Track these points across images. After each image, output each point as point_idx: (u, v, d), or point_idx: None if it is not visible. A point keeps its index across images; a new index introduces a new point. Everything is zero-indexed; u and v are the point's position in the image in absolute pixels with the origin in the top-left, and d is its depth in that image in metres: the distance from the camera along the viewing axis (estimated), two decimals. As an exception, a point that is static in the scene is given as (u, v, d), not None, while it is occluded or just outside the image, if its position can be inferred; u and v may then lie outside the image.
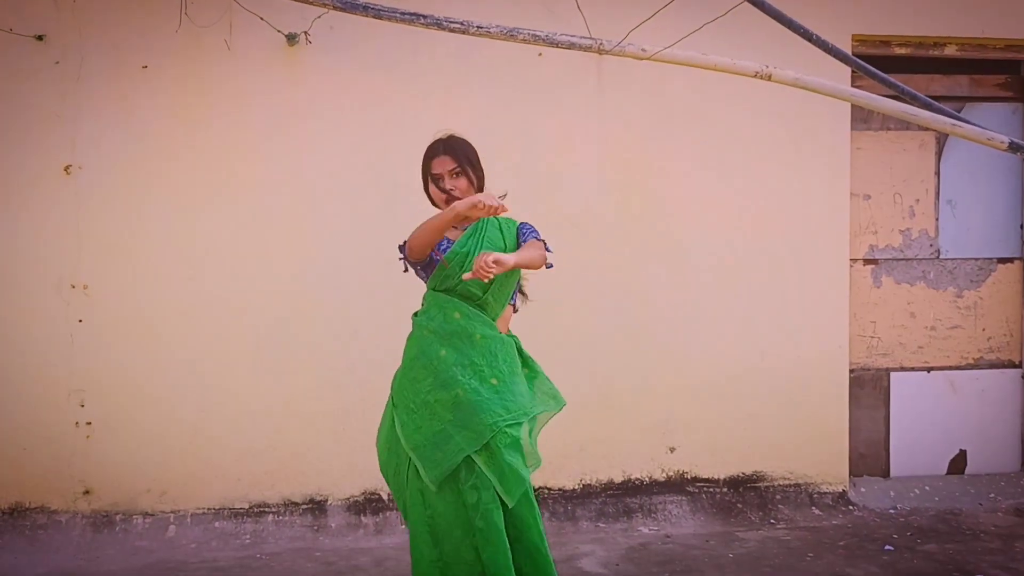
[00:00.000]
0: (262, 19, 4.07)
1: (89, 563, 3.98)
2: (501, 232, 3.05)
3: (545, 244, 3.08)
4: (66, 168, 4.23)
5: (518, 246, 3.06)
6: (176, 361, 4.30)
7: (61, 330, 4.24)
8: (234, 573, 3.84)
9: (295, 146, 4.34)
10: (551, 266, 3.06)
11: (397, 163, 4.35)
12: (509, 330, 3.12)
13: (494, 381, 2.90)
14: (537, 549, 2.95)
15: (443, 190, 3.02)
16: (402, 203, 4.33)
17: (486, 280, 2.81)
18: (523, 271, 3.10)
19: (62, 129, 4.22)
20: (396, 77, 4.38)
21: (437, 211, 3.03)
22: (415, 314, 3.10)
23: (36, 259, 4.22)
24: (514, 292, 3.13)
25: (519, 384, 2.97)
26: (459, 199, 2.93)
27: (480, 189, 3.08)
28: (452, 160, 3.03)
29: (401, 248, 3.07)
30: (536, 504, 2.98)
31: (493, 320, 3.01)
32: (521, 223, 3.17)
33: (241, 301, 4.33)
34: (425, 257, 3.01)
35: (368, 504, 4.36)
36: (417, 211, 4.33)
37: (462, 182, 3.03)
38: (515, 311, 3.17)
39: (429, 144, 3.10)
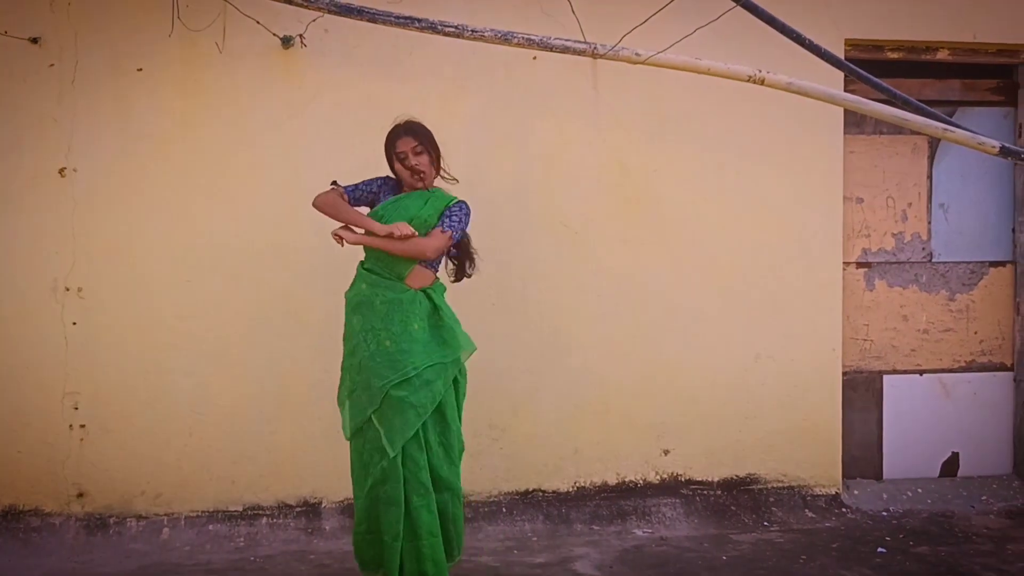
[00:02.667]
0: (258, 22, 4.07)
1: (83, 566, 3.98)
2: (424, 203, 3.49)
3: (452, 238, 3.50)
4: (61, 171, 4.23)
5: (437, 221, 3.48)
6: (170, 364, 4.30)
7: (55, 333, 4.23)
8: (228, 575, 3.84)
9: (291, 149, 4.34)
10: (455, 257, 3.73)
11: (392, 166, 4.37)
12: (437, 281, 3.55)
13: (387, 343, 3.37)
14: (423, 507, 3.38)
15: (407, 166, 3.48)
16: (397, 206, 4.36)
17: (340, 244, 3.43)
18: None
19: (57, 132, 4.22)
20: (391, 80, 4.39)
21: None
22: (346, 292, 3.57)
23: (31, 262, 4.22)
24: (443, 258, 3.61)
25: (415, 341, 3.38)
26: (423, 172, 3.48)
27: (438, 166, 3.57)
28: (414, 139, 3.48)
29: (335, 183, 3.59)
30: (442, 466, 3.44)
31: (401, 277, 3.43)
32: (451, 208, 3.53)
33: (236, 304, 4.33)
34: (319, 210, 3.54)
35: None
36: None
37: (424, 159, 3.49)
38: (468, 276, 3.77)
39: (390, 128, 3.54)
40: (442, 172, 3.63)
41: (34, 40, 4.18)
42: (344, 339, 3.53)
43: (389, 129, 3.56)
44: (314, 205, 3.51)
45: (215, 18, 4.17)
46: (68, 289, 4.24)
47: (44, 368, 4.23)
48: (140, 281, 4.28)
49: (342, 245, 3.47)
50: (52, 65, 4.20)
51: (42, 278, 4.23)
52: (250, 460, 4.33)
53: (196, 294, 4.30)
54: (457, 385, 3.54)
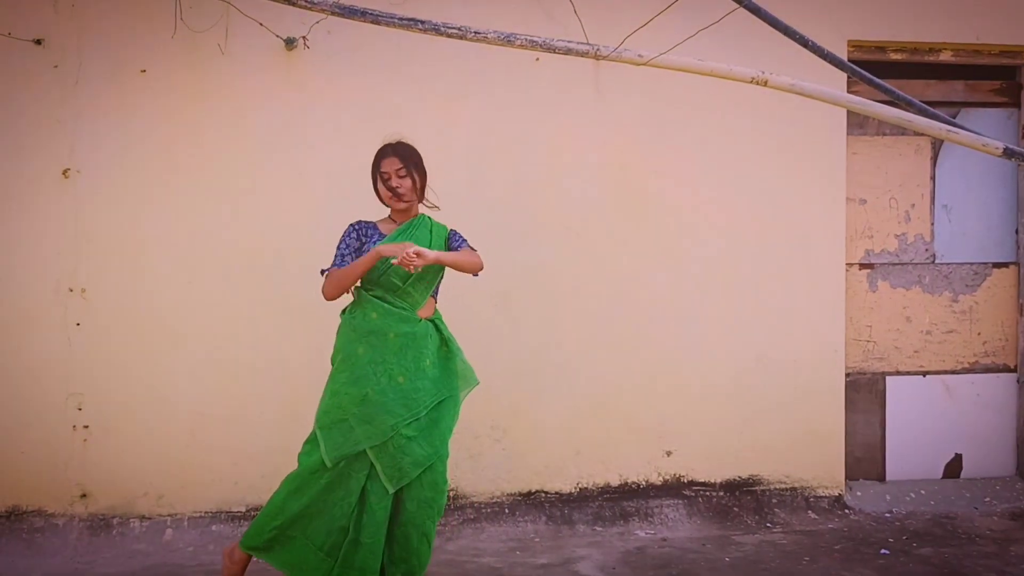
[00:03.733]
0: (261, 24, 4.08)
1: (86, 566, 3.99)
2: (430, 234, 3.44)
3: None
4: (64, 172, 4.24)
5: (445, 247, 3.47)
6: (173, 365, 4.31)
7: (59, 334, 4.25)
8: (231, 576, 3.84)
9: (294, 150, 4.35)
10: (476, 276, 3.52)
11: (395, 167, 4.38)
12: (436, 311, 3.47)
13: (401, 379, 3.27)
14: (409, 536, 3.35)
15: (389, 188, 3.39)
16: (399, 207, 4.36)
17: (410, 270, 3.17)
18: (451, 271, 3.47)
19: (61, 133, 4.23)
20: (394, 81, 4.39)
21: (383, 207, 3.51)
22: (343, 311, 3.44)
23: (34, 263, 4.23)
24: (436, 287, 3.47)
25: (426, 378, 3.31)
26: (403, 195, 3.38)
27: (422, 190, 3.49)
28: (399, 161, 3.40)
29: (323, 272, 3.41)
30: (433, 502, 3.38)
31: (414, 309, 3.35)
32: (452, 231, 3.55)
33: (239, 305, 4.34)
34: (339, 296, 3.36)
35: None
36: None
37: (407, 182, 3.40)
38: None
39: (379, 147, 3.47)
40: (425, 199, 3.55)
41: (38, 42, 4.20)
42: (340, 364, 3.36)
43: (378, 148, 3.49)
44: (329, 297, 3.34)
45: (218, 20, 4.18)
46: (72, 290, 4.25)
47: (48, 369, 4.25)
48: (143, 282, 4.29)
49: (415, 269, 3.22)
50: (56, 66, 4.22)
51: (46, 279, 4.24)
52: (252, 461, 4.33)
53: (198, 295, 4.31)
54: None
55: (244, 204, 4.33)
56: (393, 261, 3.20)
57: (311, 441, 3.34)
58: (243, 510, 4.33)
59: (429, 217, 3.53)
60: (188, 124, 4.29)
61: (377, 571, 3.29)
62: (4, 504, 4.22)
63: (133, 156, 4.27)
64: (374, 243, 3.35)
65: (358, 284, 3.39)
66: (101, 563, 4.02)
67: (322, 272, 3.43)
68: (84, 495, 4.27)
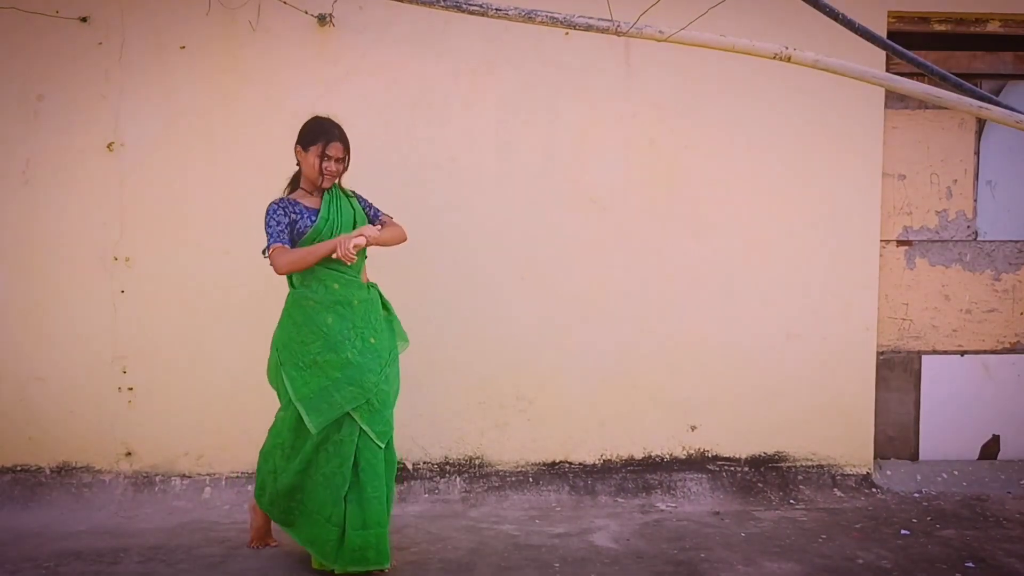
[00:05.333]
0: (285, 2, 4.17)
1: (129, 520, 4.21)
2: (349, 202, 3.63)
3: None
4: (109, 145, 4.42)
5: (364, 209, 3.68)
6: (213, 331, 4.49)
7: (105, 300, 4.46)
8: (262, 535, 4.02)
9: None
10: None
11: (424, 141, 4.45)
12: (368, 279, 3.67)
13: (373, 340, 3.51)
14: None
15: (326, 169, 3.53)
16: (429, 181, 4.46)
17: (352, 262, 3.40)
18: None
19: (105, 108, 4.41)
20: (425, 56, 4.46)
21: (299, 168, 3.64)
22: (292, 286, 3.59)
23: (81, 233, 4.44)
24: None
25: (383, 337, 3.57)
26: (335, 180, 3.58)
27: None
28: (343, 149, 3.57)
29: (264, 252, 3.55)
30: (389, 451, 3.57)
31: (359, 276, 3.57)
32: (359, 196, 3.72)
33: (274, 274, 4.46)
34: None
35: (393, 473, 4.50)
36: (441, 185, 4.45)
37: (341, 168, 3.59)
38: None
39: (320, 121, 3.57)
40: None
41: (83, 19, 4.37)
42: (308, 335, 3.48)
43: (314, 120, 3.58)
44: (287, 271, 3.48)
45: (250, -3, 4.30)
46: (116, 259, 4.45)
47: (94, 334, 4.47)
48: (184, 251, 4.47)
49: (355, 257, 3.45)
50: (100, 44, 4.39)
51: (92, 249, 4.45)
52: (286, 425, 4.49)
53: (236, 264, 4.46)
54: None
55: (279, 175, 4.40)
56: (334, 255, 3.39)
57: (282, 412, 3.61)
58: (277, 472, 4.51)
59: (337, 185, 3.64)
60: (225, 99, 4.42)
61: (388, 522, 3.48)
62: (55, 460, 4.48)
63: (174, 130, 4.43)
64: (304, 216, 3.51)
65: None
66: (143, 518, 4.25)
67: (264, 252, 3.54)
68: (129, 453, 4.51)
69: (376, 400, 3.46)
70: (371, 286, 3.63)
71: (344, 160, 3.57)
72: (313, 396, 3.44)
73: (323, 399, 3.43)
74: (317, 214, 3.53)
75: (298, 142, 3.57)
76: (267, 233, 3.49)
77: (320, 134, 3.53)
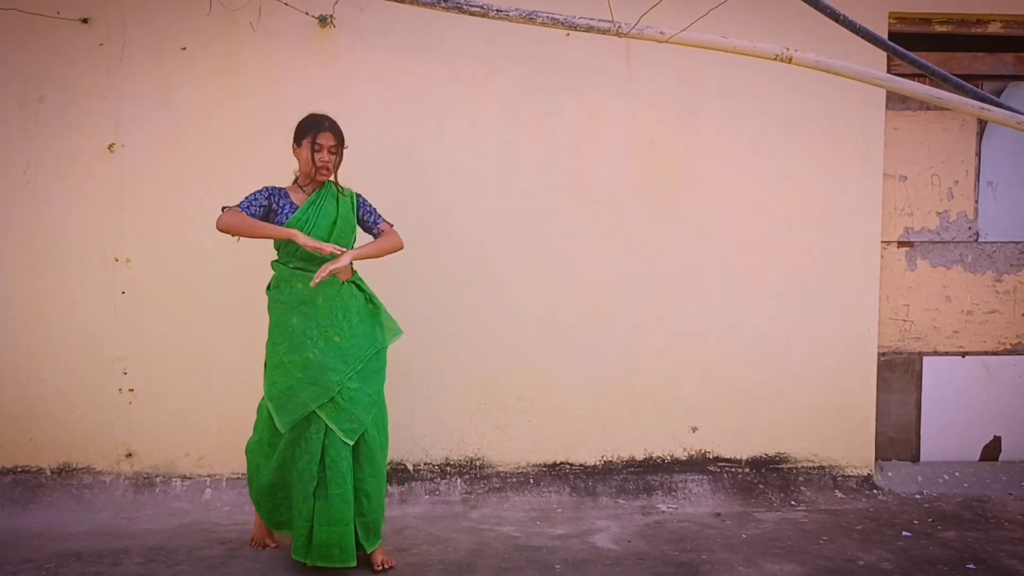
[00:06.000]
0: (287, 3, 4.17)
1: (130, 522, 4.21)
2: (337, 203, 3.60)
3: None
4: (110, 146, 4.42)
5: (356, 218, 3.66)
6: (213, 332, 4.49)
7: (105, 301, 4.46)
8: (262, 536, 4.02)
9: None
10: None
11: (424, 142, 4.45)
12: (354, 272, 3.65)
13: (337, 339, 3.51)
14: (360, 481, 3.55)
15: (319, 160, 3.54)
16: (429, 181, 4.46)
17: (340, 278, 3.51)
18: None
19: (106, 109, 4.41)
20: (425, 57, 4.45)
21: (298, 167, 3.65)
22: (267, 291, 3.66)
23: (82, 234, 4.44)
24: (352, 244, 3.65)
25: (360, 335, 3.55)
26: (329, 171, 3.56)
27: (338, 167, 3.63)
28: (334, 139, 3.56)
29: (223, 208, 3.54)
30: (374, 444, 3.58)
31: (333, 274, 3.48)
32: (361, 199, 3.71)
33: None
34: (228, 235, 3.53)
35: (393, 474, 4.50)
36: (442, 186, 4.45)
37: (335, 159, 3.58)
38: None
39: (310, 116, 3.59)
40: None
41: (84, 20, 4.37)
42: (277, 336, 3.58)
43: (305, 116, 3.60)
44: (221, 228, 3.47)
45: (251, -1, 4.30)
46: (117, 260, 4.45)
47: (95, 335, 4.47)
48: (184, 252, 4.47)
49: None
50: (101, 45, 4.39)
51: (93, 249, 4.44)
52: (287, 426, 4.49)
53: (237, 265, 4.44)
54: None
55: (279, 176, 4.42)
56: (312, 284, 3.39)
57: (261, 410, 3.68)
58: (278, 473, 4.51)
59: (334, 183, 3.64)
60: (226, 100, 4.42)
61: (351, 521, 3.49)
62: (55, 461, 4.48)
63: (175, 131, 4.43)
64: (284, 211, 3.54)
65: (280, 260, 3.59)
66: (144, 519, 4.24)
67: (223, 208, 3.53)
68: (129, 454, 4.50)
69: (342, 398, 3.48)
70: (346, 284, 3.58)
71: (337, 150, 3.57)
72: (280, 395, 3.51)
73: (289, 398, 3.50)
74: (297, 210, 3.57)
75: (293, 140, 3.62)
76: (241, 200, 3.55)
77: (310, 127, 3.56)
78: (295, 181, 3.68)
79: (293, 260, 3.54)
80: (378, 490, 3.56)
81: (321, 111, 4.40)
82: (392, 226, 3.73)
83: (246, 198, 3.54)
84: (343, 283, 3.57)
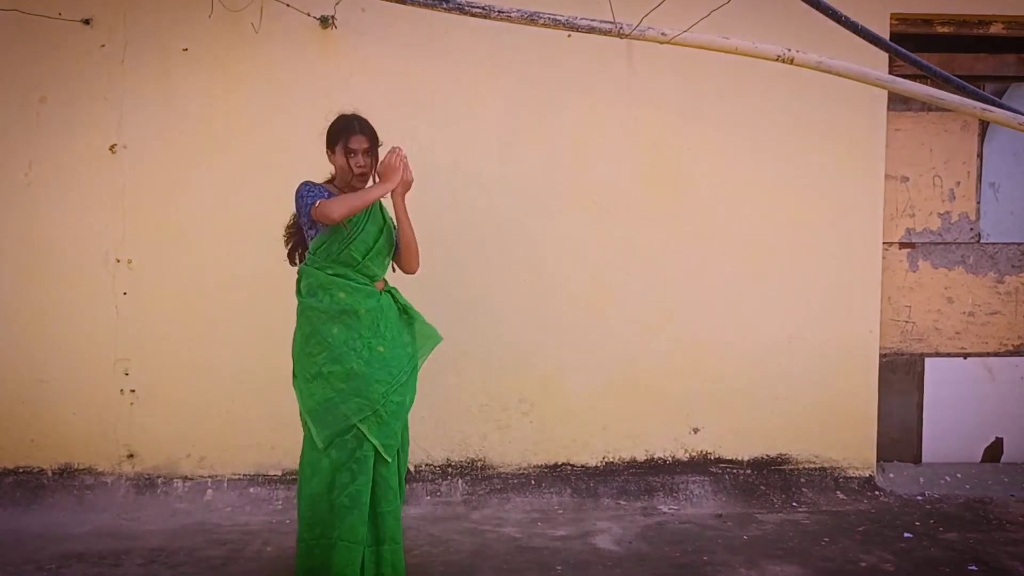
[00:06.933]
0: (288, 5, 4.17)
1: (131, 523, 4.21)
2: (381, 209, 3.48)
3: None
4: (112, 147, 4.42)
5: (392, 229, 3.50)
6: (214, 332, 4.49)
7: (107, 302, 4.46)
8: (264, 536, 4.02)
9: (327, 126, 4.44)
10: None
11: (426, 143, 4.45)
12: (386, 282, 3.51)
13: (381, 349, 3.35)
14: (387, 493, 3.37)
15: (355, 164, 3.39)
16: (431, 182, 4.44)
17: (404, 176, 3.36)
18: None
19: (108, 110, 4.41)
20: (427, 58, 4.45)
21: (333, 171, 3.48)
22: (300, 297, 3.41)
23: (84, 235, 4.44)
24: (392, 256, 3.53)
25: (400, 345, 3.42)
26: (366, 176, 3.41)
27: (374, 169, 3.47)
28: (367, 140, 3.41)
29: (305, 212, 3.34)
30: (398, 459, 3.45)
31: (374, 283, 3.41)
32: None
33: (277, 276, 4.44)
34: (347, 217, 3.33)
35: (395, 475, 4.49)
36: (443, 187, 4.45)
37: (371, 162, 3.43)
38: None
39: (341, 118, 3.44)
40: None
41: (86, 22, 4.37)
42: (314, 346, 3.33)
43: (336, 118, 3.44)
44: (340, 215, 3.24)
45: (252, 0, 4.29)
46: (119, 261, 4.45)
47: (97, 335, 4.47)
48: (186, 253, 4.47)
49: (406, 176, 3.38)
50: (103, 46, 4.39)
51: (95, 250, 4.45)
52: (288, 427, 4.44)
53: (238, 266, 4.47)
54: None
55: (280, 177, 4.41)
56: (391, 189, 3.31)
57: (304, 426, 3.39)
58: (279, 474, 4.51)
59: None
60: (228, 101, 4.42)
61: (401, 539, 3.38)
62: (57, 462, 4.48)
63: (176, 132, 4.43)
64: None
65: (315, 265, 3.37)
66: (145, 520, 4.24)
67: (313, 205, 3.30)
68: (131, 455, 4.50)
69: (385, 411, 3.32)
70: (383, 294, 3.44)
71: (372, 151, 3.40)
72: (319, 408, 3.30)
73: (328, 411, 3.28)
74: None
75: (326, 146, 3.45)
76: (304, 202, 3.33)
77: (341, 131, 3.40)
78: (330, 180, 3.49)
79: (332, 266, 3.35)
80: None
81: (323, 111, 4.38)
82: None
83: (311, 193, 3.33)
84: (382, 293, 3.42)
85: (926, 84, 4.07)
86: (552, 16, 3.79)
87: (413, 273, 3.55)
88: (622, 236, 4.55)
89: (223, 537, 4.01)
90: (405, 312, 3.50)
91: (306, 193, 3.35)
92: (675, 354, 4.60)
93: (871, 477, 4.66)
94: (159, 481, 4.49)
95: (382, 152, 3.44)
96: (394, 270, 3.59)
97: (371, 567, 3.31)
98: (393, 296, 3.49)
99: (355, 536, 3.25)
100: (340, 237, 3.33)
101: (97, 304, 4.45)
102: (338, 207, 3.23)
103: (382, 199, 3.40)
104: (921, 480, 4.74)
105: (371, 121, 4.37)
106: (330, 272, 3.36)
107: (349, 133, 3.39)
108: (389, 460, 3.33)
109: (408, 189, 3.42)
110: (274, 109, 4.43)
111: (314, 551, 3.27)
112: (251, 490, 4.49)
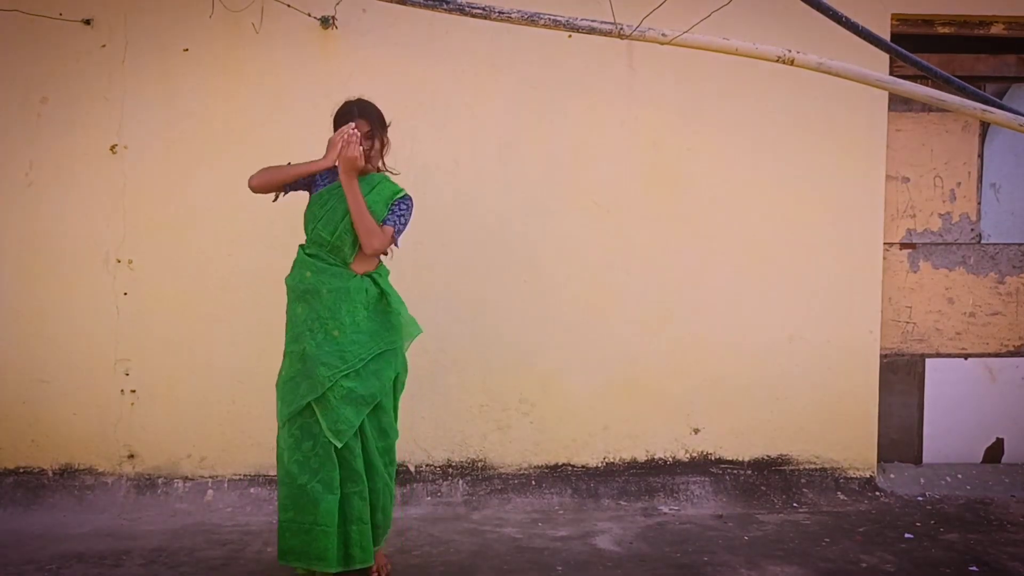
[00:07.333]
0: (289, 5, 4.17)
1: (132, 523, 4.21)
2: (371, 190, 3.38)
3: (395, 239, 3.43)
4: (112, 148, 4.42)
5: (387, 211, 3.40)
6: (215, 333, 4.49)
7: (108, 303, 4.46)
8: (264, 537, 4.01)
9: (329, 126, 4.38)
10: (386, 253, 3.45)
11: (426, 143, 4.45)
12: (380, 265, 3.47)
13: (336, 333, 3.30)
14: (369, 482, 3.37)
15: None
16: (432, 183, 4.46)
17: (355, 151, 3.24)
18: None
19: (109, 110, 4.41)
20: (428, 58, 4.45)
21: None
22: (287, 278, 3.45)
23: (84, 235, 4.44)
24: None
25: (362, 331, 3.34)
26: (370, 157, 3.36)
27: (383, 153, 3.46)
28: (367, 124, 3.36)
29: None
30: (384, 452, 3.43)
31: (347, 264, 3.36)
32: (399, 200, 3.45)
33: (277, 276, 4.42)
34: (274, 191, 3.45)
35: (395, 475, 4.47)
36: (444, 187, 4.46)
37: (369, 143, 3.36)
38: (386, 254, 3.47)
39: (345, 104, 3.42)
40: (385, 165, 3.52)
41: (87, 22, 4.37)
42: (286, 326, 3.42)
43: (343, 104, 3.44)
44: (253, 186, 3.40)
45: (252, 0, 4.29)
46: (119, 261, 4.45)
47: (97, 336, 4.47)
48: (187, 254, 4.47)
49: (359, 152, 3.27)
50: (104, 46, 4.39)
51: (95, 250, 4.45)
52: (289, 427, 4.49)
53: (238, 266, 4.47)
54: (396, 377, 3.48)
55: (281, 179, 4.45)
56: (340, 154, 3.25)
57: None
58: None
59: (387, 177, 3.48)
60: (228, 101, 4.42)
61: (369, 521, 3.35)
62: (57, 462, 4.48)
63: (177, 132, 4.43)
64: (318, 186, 3.42)
65: (301, 244, 3.43)
66: (146, 520, 4.24)
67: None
68: (131, 456, 4.50)
69: (333, 396, 3.27)
70: (359, 277, 3.37)
71: (372, 134, 3.36)
72: (282, 385, 3.36)
73: (290, 389, 3.33)
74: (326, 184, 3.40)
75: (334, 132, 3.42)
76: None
77: (341, 116, 3.40)
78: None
79: (310, 245, 3.39)
80: (377, 494, 3.39)
81: (323, 112, 4.38)
82: (394, 237, 3.42)
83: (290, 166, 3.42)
84: (353, 276, 3.36)
85: (927, 85, 4.09)
86: (553, 17, 3.79)
87: (375, 253, 3.37)
88: (622, 236, 4.55)
89: (224, 537, 4.01)
90: (385, 299, 3.43)
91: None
92: (675, 354, 4.60)
93: (872, 478, 4.66)
94: (159, 481, 4.49)
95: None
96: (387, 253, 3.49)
97: (340, 547, 3.30)
98: (374, 280, 3.41)
99: (331, 520, 3.26)
100: (310, 215, 3.36)
101: (98, 304, 4.46)
102: (256, 176, 3.37)
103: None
104: (922, 481, 4.74)
105: (372, 119, 4.41)
106: (307, 251, 3.40)
107: (348, 117, 3.38)
108: (336, 444, 3.27)
109: (352, 167, 3.27)
110: (275, 109, 4.43)
111: (287, 534, 3.30)
112: (252, 490, 4.49)
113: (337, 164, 3.31)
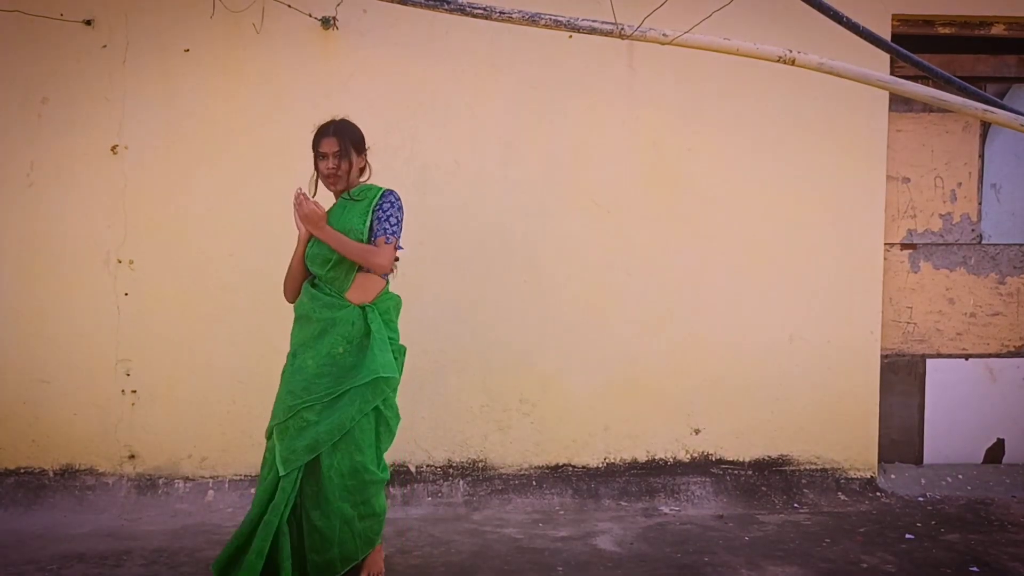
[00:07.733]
0: (289, 6, 4.17)
1: (132, 523, 4.21)
2: (344, 212, 3.36)
3: (395, 244, 3.36)
4: (113, 148, 4.42)
5: (372, 220, 3.33)
6: (216, 333, 4.49)
7: (108, 303, 4.46)
8: (264, 538, 4.01)
9: (329, 127, 4.46)
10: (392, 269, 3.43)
11: (427, 144, 4.45)
12: (383, 295, 3.40)
13: (311, 363, 3.29)
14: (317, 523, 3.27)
15: (322, 168, 3.39)
16: (432, 183, 4.46)
17: (305, 212, 3.24)
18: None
19: (109, 110, 4.41)
20: (428, 58, 4.45)
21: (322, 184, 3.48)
22: None
23: (85, 235, 4.44)
24: (359, 269, 3.36)
25: (338, 365, 3.27)
26: (337, 177, 3.37)
27: (359, 173, 3.44)
28: (337, 144, 3.36)
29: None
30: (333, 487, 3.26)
31: (340, 293, 3.34)
32: (383, 202, 3.36)
33: (278, 276, 4.41)
34: (301, 281, 3.49)
35: (396, 476, 4.49)
36: (444, 187, 4.46)
37: (335, 163, 3.36)
38: (396, 259, 3.44)
39: (321, 124, 3.43)
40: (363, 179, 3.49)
41: (88, 22, 4.37)
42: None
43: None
44: (289, 299, 3.52)
45: (253, 0, 4.29)
46: (120, 261, 4.45)
47: (98, 336, 4.47)
48: (187, 254, 4.47)
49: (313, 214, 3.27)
50: (104, 46, 4.39)
51: (96, 251, 4.45)
52: (289, 428, 4.49)
53: (239, 267, 4.47)
54: (379, 416, 3.33)
55: (281, 179, 4.44)
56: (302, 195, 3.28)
57: None
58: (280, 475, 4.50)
59: (366, 185, 3.44)
60: (229, 101, 4.43)
61: (263, 555, 3.21)
62: (58, 462, 4.48)
63: (178, 132, 4.44)
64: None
65: None
66: (146, 520, 4.24)
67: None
68: (132, 456, 4.50)
69: (292, 425, 3.25)
70: (352, 308, 3.31)
71: (340, 155, 3.34)
72: (276, 400, 3.39)
73: (277, 405, 3.37)
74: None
75: None
76: None
77: (316, 135, 3.41)
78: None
79: (312, 274, 3.45)
80: (332, 529, 3.24)
81: (324, 112, 4.37)
82: (391, 243, 3.32)
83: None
84: (345, 306, 3.30)
85: (927, 85, 4.09)
86: (553, 17, 3.80)
87: (384, 270, 3.34)
88: (622, 236, 4.55)
89: (224, 538, 3.98)
90: (367, 336, 3.31)
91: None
92: (675, 354, 4.60)
93: (872, 478, 4.66)
94: (160, 482, 4.49)
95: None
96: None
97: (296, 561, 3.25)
98: (364, 316, 3.32)
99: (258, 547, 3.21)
100: (307, 253, 3.41)
101: (98, 304, 4.46)
102: (286, 293, 3.50)
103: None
104: (922, 481, 4.74)
105: (371, 121, 4.38)
106: (309, 280, 3.46)
107: (320, 136, 3.41)
108: (281, 471, 3.24)
109: (313, 221, 3.25)
110: (275, 109, 4.43)
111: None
112: (252, 491, 4.47)
113: (306, 228, 3.34)
